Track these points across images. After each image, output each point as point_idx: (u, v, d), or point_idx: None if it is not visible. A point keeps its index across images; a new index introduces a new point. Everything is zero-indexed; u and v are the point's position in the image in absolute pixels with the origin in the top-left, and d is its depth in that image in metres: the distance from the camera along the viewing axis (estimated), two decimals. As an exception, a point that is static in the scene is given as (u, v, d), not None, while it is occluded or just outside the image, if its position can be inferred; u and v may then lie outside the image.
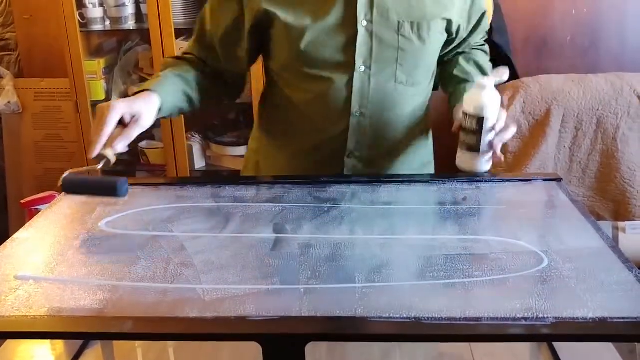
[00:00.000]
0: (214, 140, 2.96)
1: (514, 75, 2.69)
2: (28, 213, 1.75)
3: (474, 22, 1.40)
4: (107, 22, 2.80)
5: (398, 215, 1.14)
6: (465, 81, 1.41)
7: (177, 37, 2.73)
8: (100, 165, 1.15)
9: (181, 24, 2.76)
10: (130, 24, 2.81)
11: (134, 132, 1.18)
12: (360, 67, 1.29)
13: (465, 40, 1.43)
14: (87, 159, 2.91)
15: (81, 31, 2.75)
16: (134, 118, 1.19)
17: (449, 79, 1.46)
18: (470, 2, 1.36)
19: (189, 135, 2.93)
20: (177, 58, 1.42)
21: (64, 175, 1.16)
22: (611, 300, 0.84)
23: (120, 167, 3.03)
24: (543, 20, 2.74)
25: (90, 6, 2.73)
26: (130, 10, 2.77)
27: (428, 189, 1.25)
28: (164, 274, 0.94)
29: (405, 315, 0.81)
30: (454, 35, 1.37)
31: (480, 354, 1.21)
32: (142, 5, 2.77)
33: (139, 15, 2.82)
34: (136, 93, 1.25)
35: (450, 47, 1.42)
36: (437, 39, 1.33)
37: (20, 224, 1.15)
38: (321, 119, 1.35)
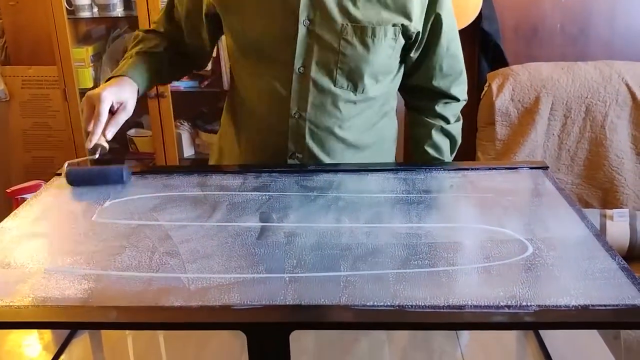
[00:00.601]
0: (202, 128, 2.95)
1: (503, 63, 2.70)
2: (14, 202, 1.74)
3: (429, 23, 1.31)
4: (95, 9, 2.78)
5: (383, 203, 1.15)
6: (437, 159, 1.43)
7: (165, 25, 2.71)
8: (97, 155, 1.23)
9: (169, 11, 2.74)
10: (119, 11, 2.79)
11: (122, 119, 1.25)
12: (299, 67, 1.27)
13: (433, 68, 1.36)
14: (76, 147, 2.91)
15: (69, 18, 2.73)
16: (122, 105, 1.25)
17: (418, 151, 1.46)
18: (427, 4, 1.29)
19: (178, 124, 2.92)
20: (147, 32, 1.45)
21: (66, 168, 1.22)
22: (594, 287, 0.85)
23: (109, 155, 3.02)
24: (533, 8, 2.74)
25: (77, -7, 2.71)
26: (118, -3, 2.75)
27: (415, 177, 1.25)
28: (149, 263, 0.93)
29: (389, 304, 0.81)
30: (413, 41, 1.31)
31: (467, 342, 1.22)
32: (130, -8, 2.75)
33: (127, 3, 2.80)
34: (111, 77, 1.31)
35: (415, 55, 1.35)
36: (386, 45, 1.27)
37: (7, 213, 1.14)
38: (264, 117, 1.34)
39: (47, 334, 1.29)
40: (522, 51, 2.78)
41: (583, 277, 0.88)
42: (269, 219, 1.08)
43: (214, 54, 2.78)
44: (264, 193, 1.18)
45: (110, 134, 1.23)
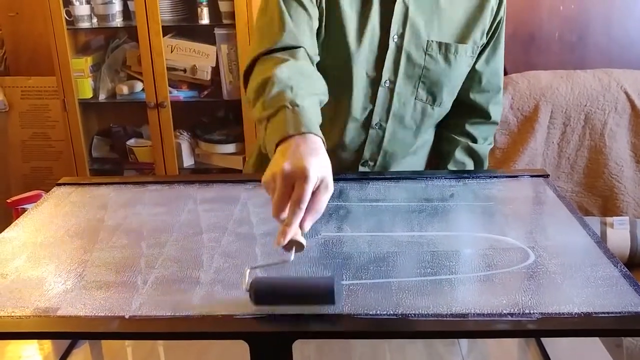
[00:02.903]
0: (202, 138, 2.96)
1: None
2: (14, 212, 1.74)
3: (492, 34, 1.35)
4: (94, 20, 2.79)
5: (385, 212, 1.14)
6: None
7: (164, 35, 2.72)
8: (292, 257, 0.87)
9: (168, 22, 2.75)
10: (118, 22, 2.80)
11: (324, 203, 0.91)
12: (385, 81, 1.30)
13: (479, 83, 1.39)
14: (75, 158, 2.90)
15: (68, 29, 2.73)
16: (322, 182, 0.90)
17: (440, 169, 1.48)
18: (492, 18, 1.33)
19: (178, 133, 2.92)
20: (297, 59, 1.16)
21: (249, 278, 0.84)
22: (597, 295, 0.85)
23: (108, 165, 3.03)
24: (531, 16, 2.75)
25: (77, 3, 2.72)
26: (117, 7, 2.76)
27: (416, 186, 1.25)
28: (151, 272, 0.93)
29: (392, 312, 0.81)
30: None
31: (469, 349, 1.22)
32: (129, 3, 2.76)
33: (126, 13, 2.81)
34: (288, 136, 0.96)
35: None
36: (464, 62, 1.33)
37: (7, 224, 1.14)
38: (344, 126, 1.35)
39: (47, 344, 1.29)
40: (520, 59, 2.78)
41: (585, 284, 0.88)
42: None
43: (213, 64, 2.80)
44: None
45: (308, 226, 0.88)
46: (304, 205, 0.87)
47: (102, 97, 2.89)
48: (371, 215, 1.13)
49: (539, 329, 0.81)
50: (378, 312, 0.81)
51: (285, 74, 1.07)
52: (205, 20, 2.73)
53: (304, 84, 1.07)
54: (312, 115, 1.01)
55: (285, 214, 0.88)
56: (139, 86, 2.88)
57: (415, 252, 0.98)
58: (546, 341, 1.20)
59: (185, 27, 2.84)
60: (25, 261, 0.99)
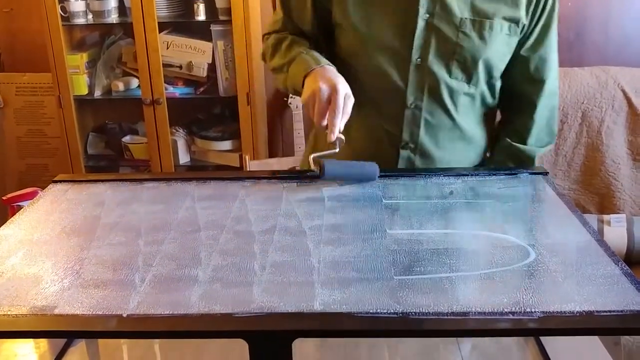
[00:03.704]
0: (198, 134, 2.95)
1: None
2: (10, 209, 1.73)
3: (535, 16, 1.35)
4: (90, 16, 2.77)
5: (385, 209, 1.14)
6: None
7: (160, 31, 2.71)
8: (338, 149, 1.22)
9: (164, 18, 2.74)
10: (113, 18, 2.78)
11: (350, 107, 1.23)
12: (417, 59, 1.31)
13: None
14: (70, 154, 2.89)
15: (63, 25, 2.72)
16: (347, 94, 1.23)
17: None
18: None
19: (173, 130, 2.91)
20: (292, 35, 1.42)
21: (322, 162, 1.21)
22: (597, 293, 0.84)
23: (104, 162, 3.01)
24: (528, 13, 2.74)
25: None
26: (113, 3, 2.75)
27: (414, 183, 1.25)
28: (149, 271, 0.92)
29: (392, 311, 0.80)
30: (522, 36, 1.35)
31: (468, 348, 1.21)
32: (125, -1, 2.75)
33: (122, 9, 2.79)
34: (311, 70, 1.26)
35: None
36: (501, 39, 1.32)
37: (3, 221, 1.13)
38: (380, 108, 1.36)
39: (43, 343, 1.28)
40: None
41: (586, 282, 0.87)
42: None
43: (210, 61, 2.78)
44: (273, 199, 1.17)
45: (343, 125, 1.22)
46: (341, 110, 1.20)
47: (97, 93, 2.88)
48: (369, 213, 1.12)
49: (540, 328, 0.80)
50: (378, 310, 0.81)
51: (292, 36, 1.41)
52: (201, 16, 2.72)
53: (304, 43, 1.39)
54: (321, 56, 1.32)
55: (325, 121, 1.21)
56: (134, 83, 2.87)
57: (415, 249, 0.98)
58: (545, 339, 1.20)
59: (181, 24, 2.83)
60: (21, 259, 0.98)
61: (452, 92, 1.34)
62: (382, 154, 1.37)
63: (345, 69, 1.33)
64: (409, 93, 1.33)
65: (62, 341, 1.23)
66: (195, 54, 2.78)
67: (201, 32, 2.79)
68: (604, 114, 2.51)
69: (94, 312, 0.83)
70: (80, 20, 2.76)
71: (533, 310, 0.80)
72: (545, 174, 1.28)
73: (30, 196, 1.74)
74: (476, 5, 1.29)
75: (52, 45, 2.72)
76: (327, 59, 1.32)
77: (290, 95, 2.91)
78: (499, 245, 0.99)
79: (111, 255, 0.98)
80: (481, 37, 1.30)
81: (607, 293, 0.84)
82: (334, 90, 1.20)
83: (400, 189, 1.23)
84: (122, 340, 1.26)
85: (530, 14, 1.33)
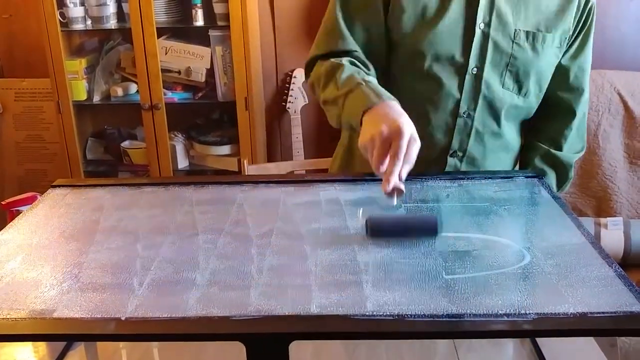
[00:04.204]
0: (197, 139, 2.96)
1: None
2: (9, 214, 1.73)
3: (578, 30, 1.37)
4: (89, 22, 2.79)
5: (382, 212, 1.14)
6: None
7: (159, 36, 2.72)
8: (395, 202, 1.07)
9: (163, 23, 2.75)
10: (112, 23, 2.79)
11: (415, 153, 1.10)
12: (472, 68, 1.32)
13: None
14: (69, 159, 2.90)
15: (62, 30, 2.73)
16: (412, 137, 1.10)
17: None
18: (581, 8, 1.35)
19: (172, 135, 2.92)
20: (347, 61, 1.32)
21: (366, 216, 1.02)
22: (592, 295, 0.85)
23: (103, 167, 3.02)
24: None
25: (71, 5, 2.72)
26: (111, 9, 2.76)
27: (412, 187, 1.25)
28: (148, 274, 0.93)
29: (387, 313, 0.81)
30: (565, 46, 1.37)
31: (465, 350, 1.22)
32: (123, 5, 2.76)
33: (120, 15, 2.80)
34: (372, 105, 1.15)
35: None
36: (552, 52, 1.34)
37: (2, 225, 1.13)
38: (432, 117, 1.36)
39: (42, 346, 1.28)
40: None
41: (581, 284, 0.88)
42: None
43: (208, 66, 2.79)
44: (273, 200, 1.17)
45: (405, 174, 1.08)
46: (402, 157, 1.07)
47: (96, 99, 2.89)
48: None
49: (535, 329, 0.81)
50: (374, 312, 0.81)
51: (349, 64, 1.30)
52: (199, 22, 2.73)
53: (362, 71, 1.29)
54: (382, 88, 1.21)
55: (384, 167, 1.08)
56: (133, 88, 2.88)
57: (410, 253, 0.98)
58: (541, 341, 1.21)
59: (179, 29, 2.84)
60: (20, 263, 0.98)
61: (502, 102, 1.36)
62: (430, 162, 1.38)
63: (397, 81, 1.35)
64: (462, 102, 1.34)
65: (61, 344, 1.24)
66: (194, 59, 2.80)
67: (199, 37, 2.80)
68: (601, 117, 2.52)
69: (92, 316, 0.83)
70: (79, 26, 2.77)
71: (527, 312, 0.81)
72: (541, 177, 1.28)
73: (29, 201, 1.75)
74: (530, 17, 1.31)
75: (51, 51, 2.73)
76: (377, 76, 1.26)
77: (289, 100, 2.93)
78: (493, 248, 0.99)
79: (110, 259, 0.99)
80: (534, 49, 1.32)
81: (601, 295, 0.85)
82: (397, 133, 1.08)
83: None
84: (120, 344, 1.27)
85: (575, 23, 1.36)
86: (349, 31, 1.33)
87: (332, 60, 1.32)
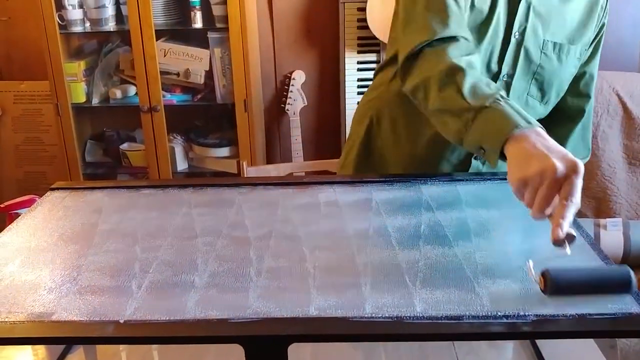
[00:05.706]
0: (196, 141, 2.96)
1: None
2: (8, 217, 1.73)
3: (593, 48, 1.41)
4: (87, 24, 2.79)
5: (380, 214, 1.15)
6: None
7: (157, 39, 2.72)
8: (569, 251, 0.91)
9: (161, 25, 2.75)
10: (111, 26, 2.80)
11: (579, 193, 0.93)
12: (503, 75, 1.34)
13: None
14: (68, 162, 2.90)
15: (61, 33, 2.73)
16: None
17: None
18: (599, 21, 1.38)
19: (171, 137, 2.92)
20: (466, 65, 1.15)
21: (548, 274, 0.85)
22: (591, 297, 0.85)
23: (102, 170, 3.02)
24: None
25: (69, 8, 2.72)
26: (110, 11, 2.76)
27: (408, 187, 1.25)
28: (146, 277, 0.93)
29: (386, 315, 0.81)
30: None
31: (464, 352, 1.22)
32: (122, 7, 2.76)
33: (119, 17, 2.81)
34: (518, 130, 0.98)
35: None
36: (572, 63, 1.37)
37: (0, 228, 1.13)
38: None
39: (42, 349, 1.28)
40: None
41: (580, 286, 0.88)
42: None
43: (207, 68, 2.79)
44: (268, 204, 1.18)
45: (572, 217, 0.91)
46: (577, 198, 0.90)
47: (95, 101, 2.89)
48: (363, 217, 1.13)
49: (534, 331, 0.81)
50: (373, 315, 0.81)
51: (468, 66, 1.12)
52: (198, 24, 2.73)
53: (484, 78, 1.12)
54: (522, 109, 1.04)
55: (550, 209, 0.91)
56: (132, 90, 2.88)
57: (410, 255, 0.98)
58: (541, 342, 1.21)
59: (178, 31, 2.85)
60: (19, 266, 0.98)
61: (526, 110, 1.34)
62: (456, 165, 1.40)
63: None
64: None
65: (60, 348, 1.24)
66: (193, 61, 2.80)
67: (198, 39, 2.80)
68: (600, 119, 2.53)
69: (91, 319, 0.83)
70: (78, 29, 2.77)
71: (527, 313, 0.81)
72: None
73: (28, 204, 1.75)
74: (556, 30, 1.33)
75: (49, 53, 2.74)
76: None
77: (288, 102, 2.93)
78: (493, 249, 0.99)
79: (108, 262, 0.99)
80: (559, 59, 1.35)
81: (601, 296, 0.85)
82: (574, 170, 0.91)
83: (396, 193, 1.24)
84: (120, 346, 1.27)
85: (593, 37, 1.39)
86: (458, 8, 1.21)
87: (448, 58, 1.13)
